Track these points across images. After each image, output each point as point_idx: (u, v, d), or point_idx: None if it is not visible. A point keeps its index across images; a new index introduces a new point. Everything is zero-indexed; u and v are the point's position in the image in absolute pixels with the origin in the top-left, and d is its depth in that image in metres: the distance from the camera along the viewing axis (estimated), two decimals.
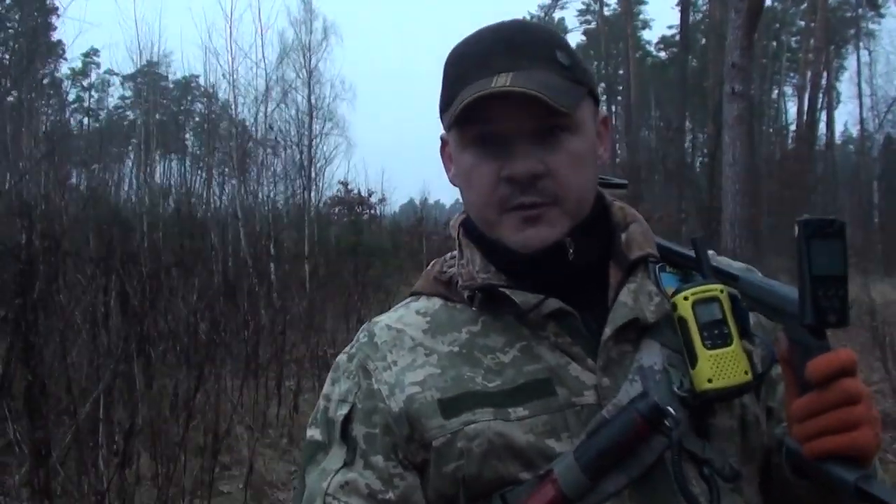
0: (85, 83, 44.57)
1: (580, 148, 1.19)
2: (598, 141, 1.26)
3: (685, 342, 1.14)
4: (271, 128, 15.14)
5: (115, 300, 5.42)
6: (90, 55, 43.38)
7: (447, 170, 1.31)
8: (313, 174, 14.92)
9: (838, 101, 39.63)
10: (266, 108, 15.91)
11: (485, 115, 1.16)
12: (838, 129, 42.86)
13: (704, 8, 35.48)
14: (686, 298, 1.14)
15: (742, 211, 10.34)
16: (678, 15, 31.49)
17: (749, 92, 10.69)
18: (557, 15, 43.97)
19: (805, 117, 26.50)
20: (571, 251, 1.18)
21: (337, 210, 14.70)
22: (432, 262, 1.36)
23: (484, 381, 1.16)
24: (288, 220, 10.79)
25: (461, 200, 1.29)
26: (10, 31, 39.33)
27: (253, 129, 16.65)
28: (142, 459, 5.12)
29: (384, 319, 1.29)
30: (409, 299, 1.32)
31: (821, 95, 34.94)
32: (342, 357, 1.28)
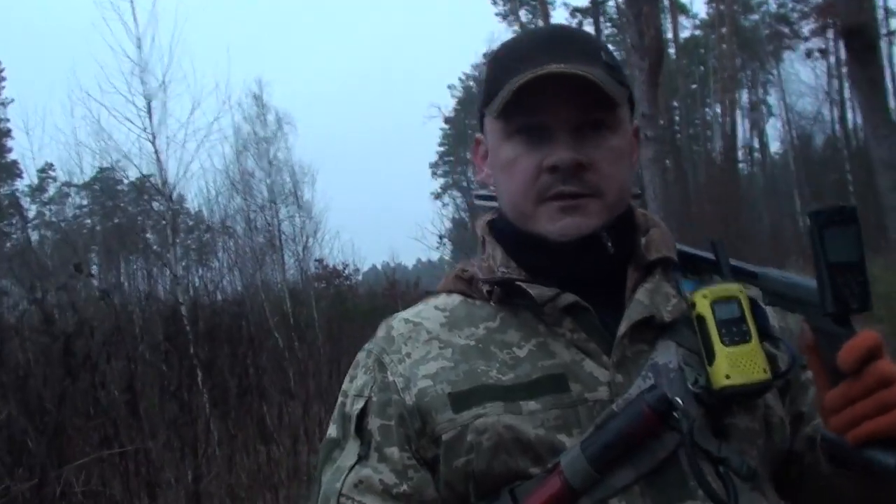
0: (44, 198, 45.01)
1: (620, 146, 1.20)
2: (632, 149, 1.26)
3: (703, 339, 1.13)
4: (269, 224, 16.88)
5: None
6: (46, 170, 43.85)
7: (479, 170, 1.31)
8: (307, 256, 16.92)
9: (770, 115, 40.93)
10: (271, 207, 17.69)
11: (532, 106, 1.16)
12: (776, 140, 44.19)
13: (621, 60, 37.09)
14: (705, 296, 1.14)
15: None
16: None
17: (660, 135, 12.15)
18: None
19: (728, 139, 28.28)
20: (610, 244, 1.18)
21: (317, 285, 16.35)
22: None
23: (498, 375, 1.15)
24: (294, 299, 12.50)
25: (496, 195, 1.29)
26: None
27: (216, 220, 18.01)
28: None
29: (403, 314, 1.29)
30: (429, 297, 1.32)
31: (742, 114, 36.91)
32: (361, 353, 1.27)
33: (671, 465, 1.08)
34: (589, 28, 35.55)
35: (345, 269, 17.28)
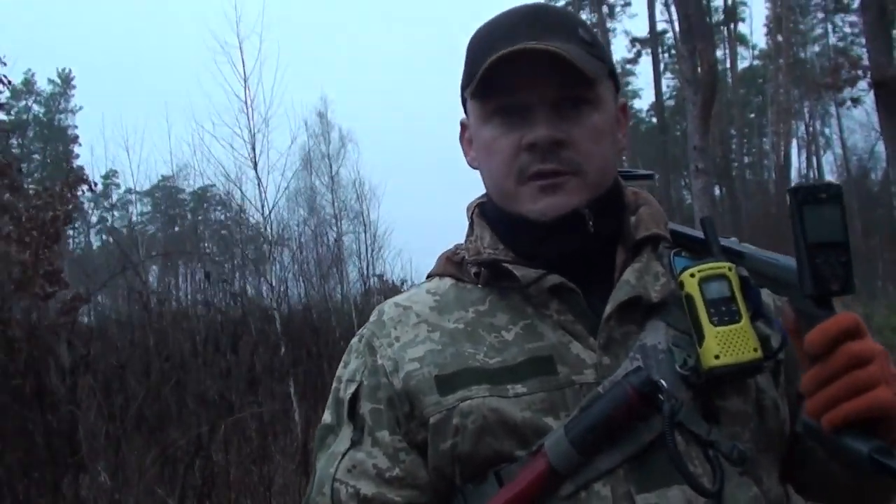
0: (106, 204, 46.08)
1: (601, 123, 1.17)
2: (618, 125, 1.23)
3: (692, 319, 1.10)
4: (336, 240, 17.82)
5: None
6: (110, 176, 44.81)
7: (465, 154, 1.29)
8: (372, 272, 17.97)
9: (828, 147, 40.74)
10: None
11: (508, 85, 1.15)
12: (831, 174, 43.86)
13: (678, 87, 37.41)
14: (693, 275, 1.10)
15: None
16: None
17: (711, 167, 12.57)
18: None
19: (781, 170, 28.48)
20: (591, 222, 1.16)
21: (377, 298, 17.10)
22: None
23: (485, 358, 1.14)
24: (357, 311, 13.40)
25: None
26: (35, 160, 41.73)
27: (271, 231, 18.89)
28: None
29: (395, 298, 1.29)
30: (423, 281, 1.31)
31: (798, 145, 36.95)
32: (354, 339, 1.28)
33: (658, 449, 1.06)
34: (647, 57, 36.06)
35: (402, 284, 18.08)
